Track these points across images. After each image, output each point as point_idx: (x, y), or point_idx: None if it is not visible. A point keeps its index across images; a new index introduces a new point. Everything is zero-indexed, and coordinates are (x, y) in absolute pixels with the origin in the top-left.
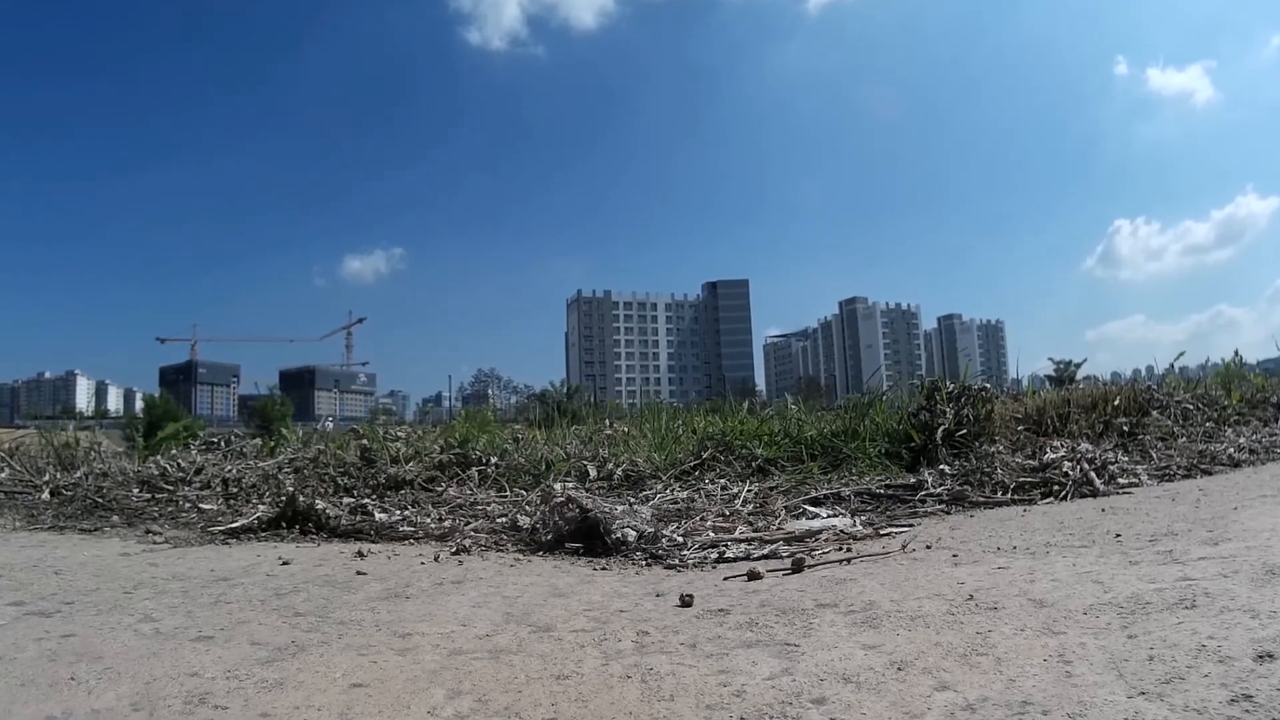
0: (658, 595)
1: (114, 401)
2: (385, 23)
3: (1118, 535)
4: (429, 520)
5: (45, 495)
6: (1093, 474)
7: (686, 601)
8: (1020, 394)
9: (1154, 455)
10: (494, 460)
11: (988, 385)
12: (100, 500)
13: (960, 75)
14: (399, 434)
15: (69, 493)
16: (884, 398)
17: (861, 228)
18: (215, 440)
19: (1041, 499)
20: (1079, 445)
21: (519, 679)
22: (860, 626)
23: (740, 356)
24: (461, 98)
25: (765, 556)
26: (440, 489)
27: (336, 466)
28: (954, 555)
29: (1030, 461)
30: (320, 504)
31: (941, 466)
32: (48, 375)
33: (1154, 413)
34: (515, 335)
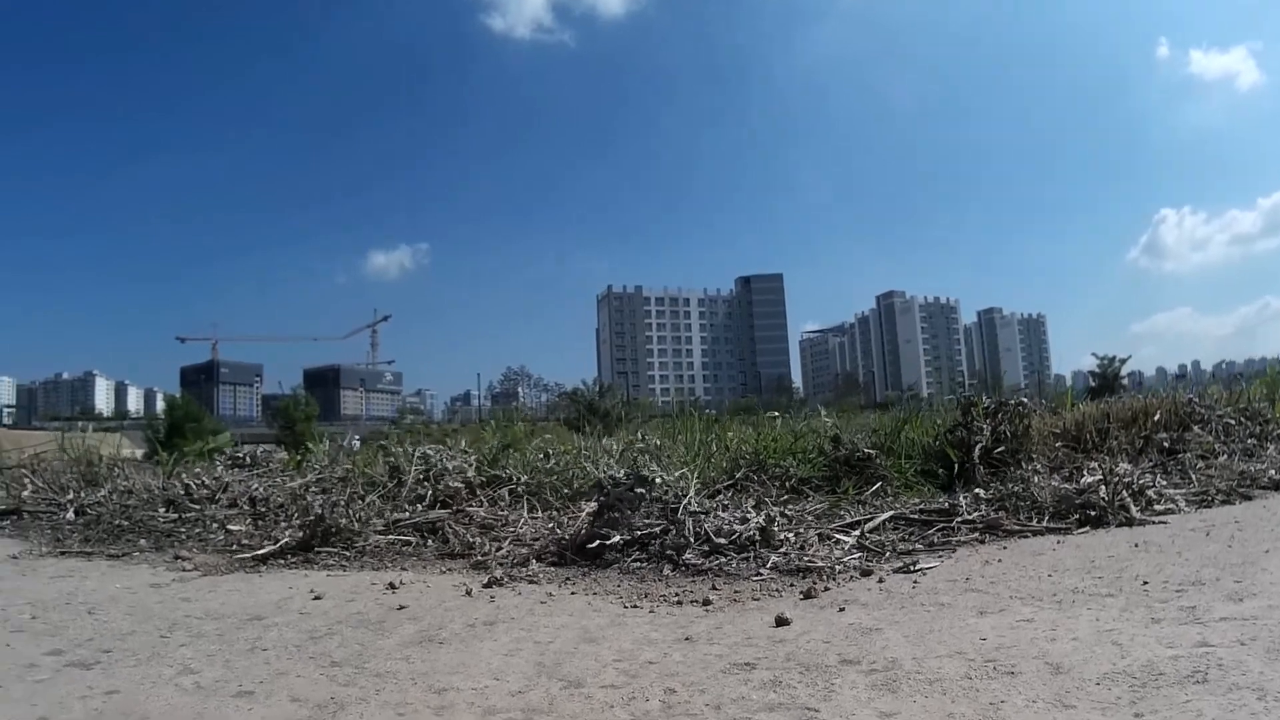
0: (687, 640)
1: (134, 402)
2: (404, 9)
3: (1145, 582)
4: (459, 544)
5: (70, 515)
6: (1129, 500)
7: (713, 653)
8: (1058, 407)
9: (1193, 476)
10: (524, 479)
11: (1025, 400)
12: (127, 522)
13: (996, 60)
14: (429, 449)
15: (93, 512)
16: (920, 412)
17: (899, 219)
18: (241, 455)
19: (1079, 527)
20: (1117, 465)
21: None
22: (880, 690)
23: (776, 353)
24: (485, 87)
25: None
26: (472, 509)
27: (365, 485)
28: (981, 602)
29: (1067, 485)
30: (350, 524)
31: (977, 490)
32: (66, 376)
33: (1195, 428)
34: (545, 332)
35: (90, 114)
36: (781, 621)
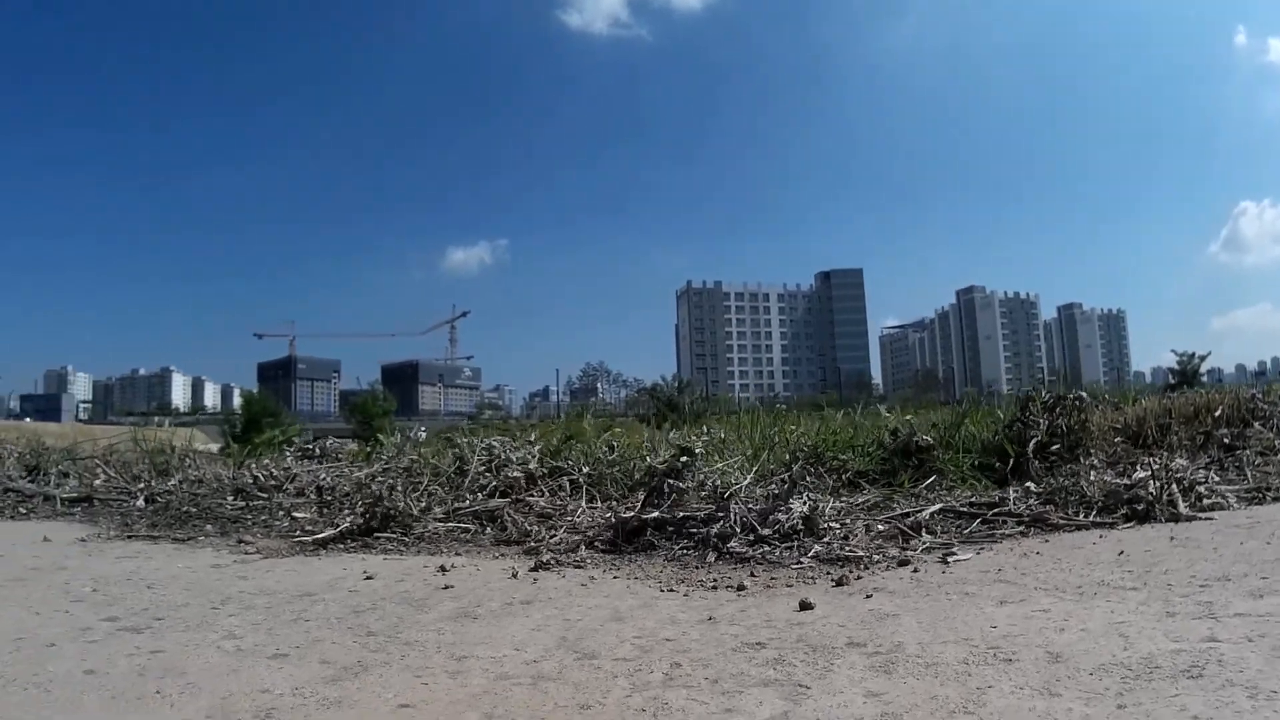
0: (709, 621)
1: (210, 398)
2: (482, 8)
3: (1171, 577)
4: (516, 531)
5: (140, 503)
6: (1178, 496)
7: (730, 634)
8: (1120, 402)
9: (1249, 474)
10: (585, 470)
11: (1084, 394)
12: (194, 509)
13: (1071, 53)
14: (494, 441)
15: (163, 500)
16: (981, 407)
17: (978, 211)
18: (311, 446)
19: (1125, 521)
20: (1173, 461)
21: (547, 706)
22: (876, 671)
23: (855, 349)
24: (564, 84)
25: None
26: (532, 499)
27: (431, 474)
28: (1005, 592)
29: (1120, 480)
30: (408, 508)
31: (1028, 484)
32: (142, 372)
33: (1256, 424)
34: (624, 327)
35: (176, 115)
36: (805, 606)
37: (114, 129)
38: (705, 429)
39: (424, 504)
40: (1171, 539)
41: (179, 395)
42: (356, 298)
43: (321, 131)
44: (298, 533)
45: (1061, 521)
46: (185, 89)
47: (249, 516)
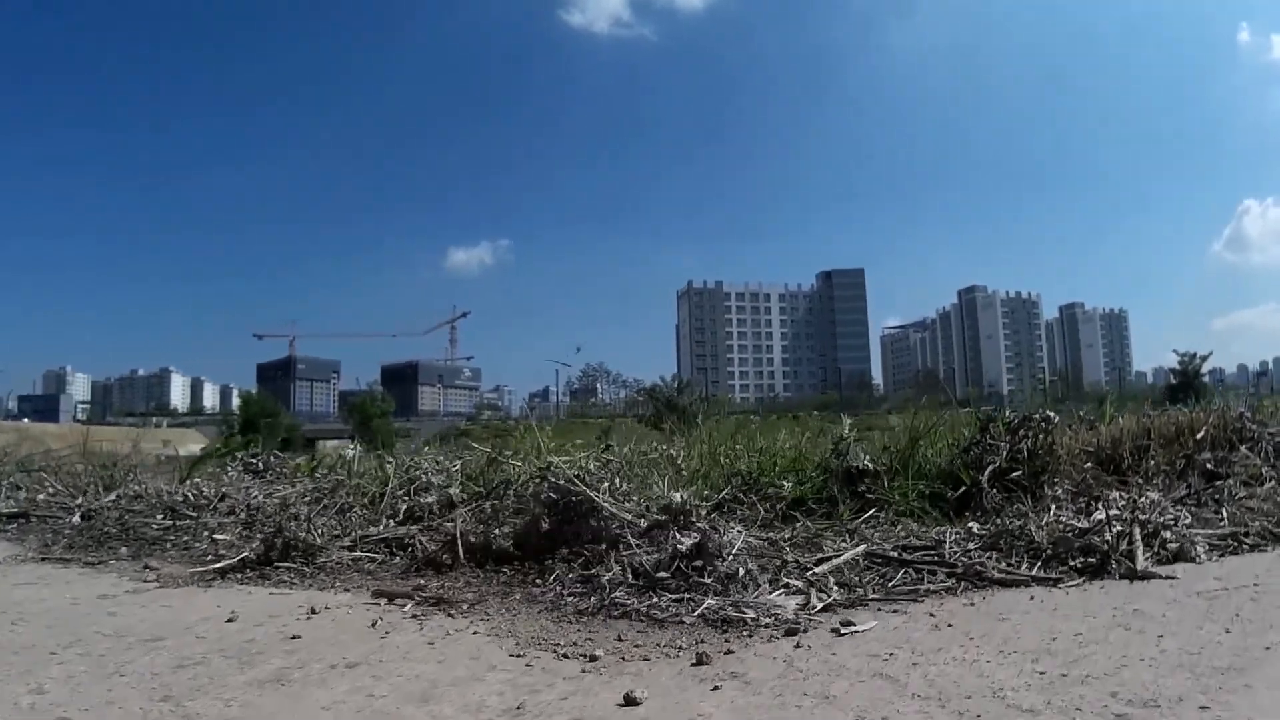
0: (516, 710)
1: (210, 398)
2: (482, 7)
3: (1085, 689)
4: (423, 561)
5: (77, 519)
6: (1139, 545)
7: None
8: (1096, 421)
9: (1226, 511)
10: (511, 491)
11: (1051, 415)
12: (118, 529)
13: (1074, 51)
14: (422, 459)
15: (99, 517)
16: (939, 426)
17: (980, 211)
18: (255, 460)
19: (1074, 576)
20: (1144, 495)
21: None
22: None
23: (857, 349)
24: (566, 84)
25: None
26: (448, 524)
27: (357, 494)
28: (871, 699)
29: (1075, 523)
30: (310, 537)
31: (971, 524)
32: (141, 372)
33: (1243, 448)
34: (625, 327)
35: (176, 115)
36: (630, 701)
37: (114, 129)
38: (655, 445)
39: (335, 529)
40: (1114, 614)
41: (178, 396)
42: (357, 298)
43: (321, 131)
44: (209, 557)
45: (999, 576)
46: (185, 89)
47: (171, 537)
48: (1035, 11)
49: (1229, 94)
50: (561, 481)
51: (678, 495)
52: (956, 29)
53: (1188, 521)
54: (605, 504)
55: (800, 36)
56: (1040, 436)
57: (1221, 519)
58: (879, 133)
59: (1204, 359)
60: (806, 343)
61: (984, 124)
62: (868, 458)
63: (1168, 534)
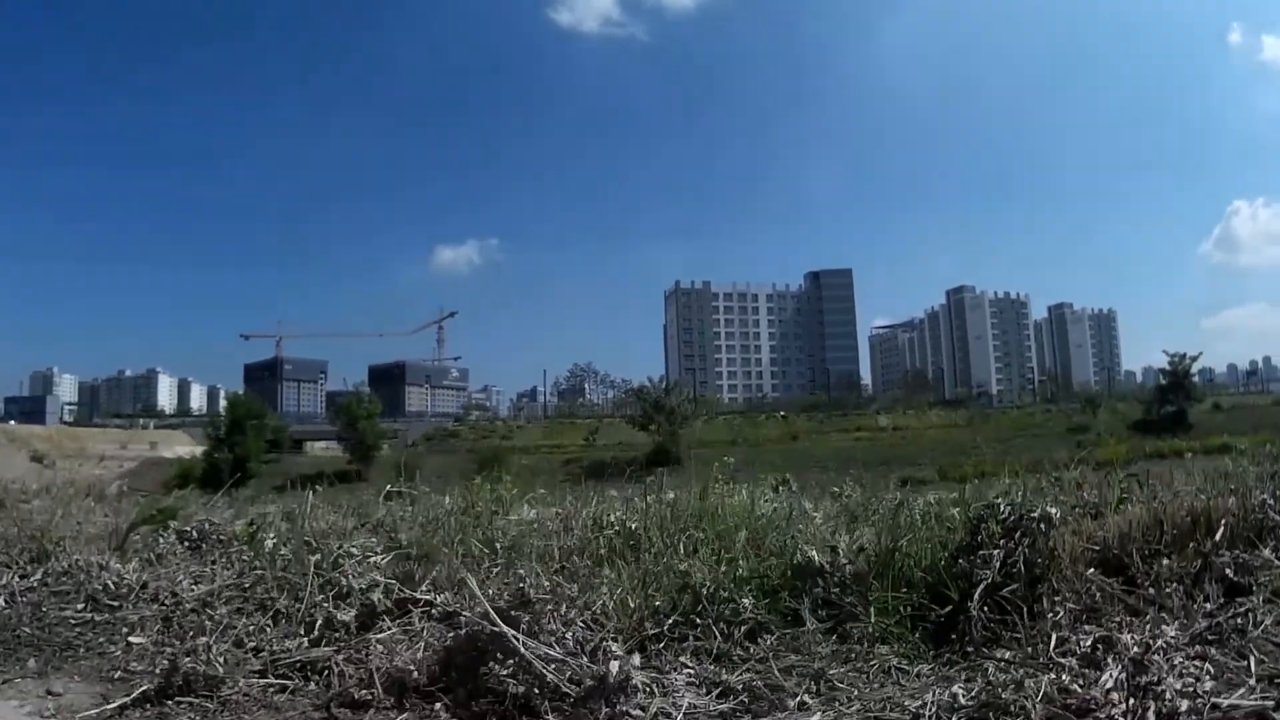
0: None
1: (197, 399)
2: (469, 6)
3: None
4: (339, 694)
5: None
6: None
7: None
8: (1100, 509)
9: (1253, 654)
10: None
11: (1051, 511)
12: (34, 625)
13: (1064, 51)
14: (353, 548)
15: (26, 600)
16: (928, 519)
17: (968, 211)
18: (190, 529)
19: None
20: (1159, 632)
21: None
22: None
23: (845, 349)
24: (554, 82)
25: None
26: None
27: (286, 587)
28: None
29: (1077, 686)
30: (212, 670)
31: (955, 689)
32: (128, 373)
33: (1266, 550)
34: (613, 327)
35: (163, 116)
36: None
37: (101, 131)
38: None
39: (252, 641)
40: None
41: (165, 397)
42: (344, 298)
43: (308, 131)
44: (119, 673)
45: None
46: (170, 91)
47: (88, 637)
48: (1025, 12)
49: (1220, 95)
50: (475, 615)
51: (616, 657)
52: (946, 29)
53: (1209, 673)
54: (525, 651)
55: (790, 36)
56: (1040, 538)
57: (1248, 669)
58: (866, 132)
59: (1193, 359)
60: (795, 343)
61: (971, 123)
62: (844, 556)
63: (1185, 704)
